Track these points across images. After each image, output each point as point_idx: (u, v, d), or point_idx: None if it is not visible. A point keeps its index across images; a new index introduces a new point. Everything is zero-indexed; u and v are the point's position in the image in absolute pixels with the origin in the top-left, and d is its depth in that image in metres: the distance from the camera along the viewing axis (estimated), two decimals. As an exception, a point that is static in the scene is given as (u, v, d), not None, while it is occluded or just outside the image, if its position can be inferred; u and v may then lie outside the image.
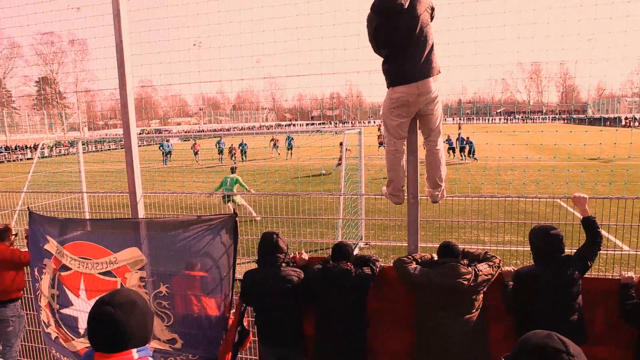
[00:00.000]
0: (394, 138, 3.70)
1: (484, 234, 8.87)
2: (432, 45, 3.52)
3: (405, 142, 3.76)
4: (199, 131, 64.01)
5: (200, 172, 20.12)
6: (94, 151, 39.03)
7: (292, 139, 30.41)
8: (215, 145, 29.99)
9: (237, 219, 4.00)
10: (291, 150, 29.85)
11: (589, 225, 3.40)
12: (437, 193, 3.87)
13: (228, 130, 72.90)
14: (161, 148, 27.91)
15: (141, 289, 3.76)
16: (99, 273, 3.88)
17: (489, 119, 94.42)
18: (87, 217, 6.60)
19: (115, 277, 3.84)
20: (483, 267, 3.40)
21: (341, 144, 10.48)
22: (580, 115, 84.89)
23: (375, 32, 3.52)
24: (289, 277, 3.62)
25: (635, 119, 60.92)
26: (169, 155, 27.68)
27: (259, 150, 30.68)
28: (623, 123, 61.79)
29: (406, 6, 3.40)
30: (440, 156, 3.81)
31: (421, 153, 3.83)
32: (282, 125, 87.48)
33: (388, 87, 3.61)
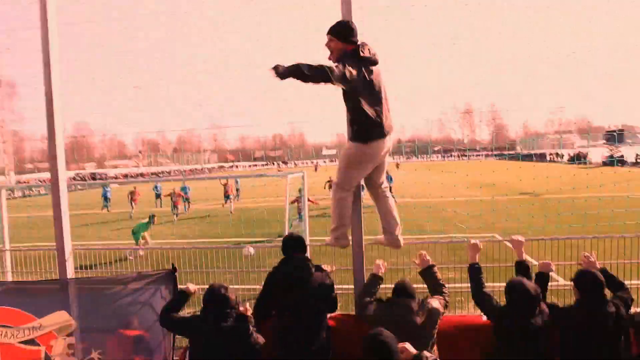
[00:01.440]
0: (348, 185, 3.68)
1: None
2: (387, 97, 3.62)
3: (353, 190, 3.76)
4: (137, 174, 61.86)
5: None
6: (21, 197, 36.67)
7: (238, 182, 29.87)
8: (153, 189, 27.97)
9: (176, 273, 3.79)
10: (238, 194, 29.32)
11: (523, 269, 3.51)
12: (396, 236, 3.84)
13: (169, 173, 71.10)
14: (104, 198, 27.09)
15: (69, 358, 3.42)
16: (20, 342, 3.50)
17: (426, 157, 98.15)
18: (9, 277, 6.02)
19: (39, 345, 3.48)
20: (435, 303, 3.42)
21: (300, 191, 10.33)
22: (511, 152, 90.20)
23: (357, 76, 3.33)
24: (256, 344, 3.34)
25: (559, 154, 65.26)
26: (108, 201, 26.91)
27: (208, 193, 29.64)
28: (548, 158, 66.08)
29: (374, 58, 3.49)
30: (391, 198, 3.88)
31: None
32: (225, 167, 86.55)
33: (357, 140, 3.49)
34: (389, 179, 25.66)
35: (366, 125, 3.42)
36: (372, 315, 3.50)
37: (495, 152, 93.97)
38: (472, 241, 3.70)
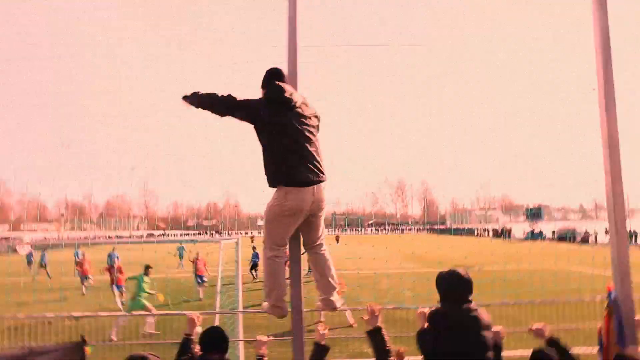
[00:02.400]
0: (276, 245, 3.36)
1: (365, 346, 8.59)
2: (320, 153, 3.39)
3: (285, 249, 3.43)
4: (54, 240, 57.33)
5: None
6: None
7: (184, 248, 28.79)
8: (75, 255, 26.04)
9: (86, 346, 3.24)
10: (182, 260, 28.01)
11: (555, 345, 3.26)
12: (333, 299, 3.53)
13: (93, 238, 66.79)
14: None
15: None
16: None
17: (360, 230, 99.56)
18: None
19: None
20: None
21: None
22: (442, 227, 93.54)
23: (264, 117, 3.23)
24: None
25: (486, 229, 68.43)
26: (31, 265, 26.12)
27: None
28: (475, 233, 69.05)
29: (298, 104, 3.31)
30: (329, 259, 3.54)
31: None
32: (155, 235, 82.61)
33: (274, 186, 3.28)
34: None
35: (280, 171, 3.21)
36: None
37: (427, 227, 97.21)
38: (420, 309, 3.47)
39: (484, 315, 3.07)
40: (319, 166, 3.27)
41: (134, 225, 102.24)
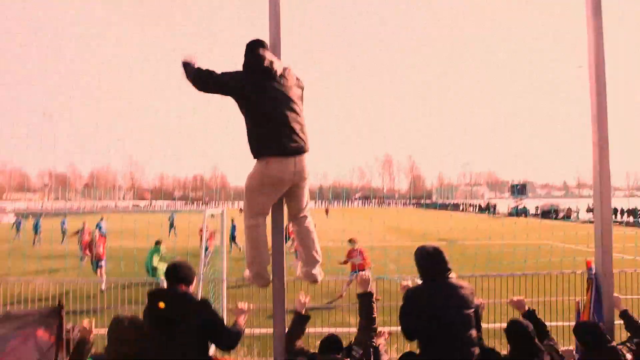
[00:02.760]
0: (256, 214, 3.32)
1: (350, 315, 8.69)
2: (304, 123, 3.31)
3: (265, 218, 3.39)
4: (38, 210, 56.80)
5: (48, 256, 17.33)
6: None
7: (174, 217, 29.39)
8: (61, 225, 25.65)
9: (63, 311, 3.19)
10: (174, 228, 28.38)
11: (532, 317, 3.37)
12: (314, 272, 3.49)
13: (77, 208, 66.17)
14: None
15: None
16: None
17: (347, 203, 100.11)
18: None
19: None
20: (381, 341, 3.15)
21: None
22: (427, 201, 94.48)
23: (243, 89, 3.16)
24: None
25: (471, 205, 69.25)
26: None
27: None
28: (461, 208, 69.86)
29: (279, 73, 3.23)
30: (312, 231, 3.50)
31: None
32: (140, 206, 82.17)
33: (257, 157, 3.22)
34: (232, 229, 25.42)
35: (261, 140, 3.16)
36: None
37: (413, 201, 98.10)
38: (404, 283, 3.47)
39: (466, 288, 3.06)
40: (302, 136, 3.20)
41: (120, 195, 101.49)
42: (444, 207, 74.56)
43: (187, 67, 3.23)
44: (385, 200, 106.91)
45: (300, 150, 3.17)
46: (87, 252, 13.35)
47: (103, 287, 10.84)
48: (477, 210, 64.62)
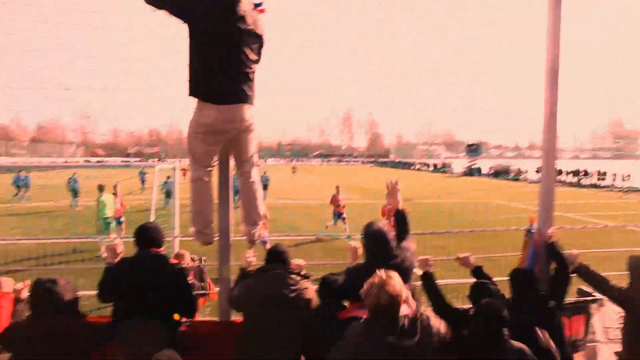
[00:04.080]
0: (199, 166, 3.16)
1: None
2: (254, 74, 3.12)
3: (211, 172, 3.24)
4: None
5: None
6: None
7: (145, 173, 28.78)
8: (13, 183, 23.75)
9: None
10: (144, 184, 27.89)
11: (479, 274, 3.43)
12: (254, 232, 3.41)
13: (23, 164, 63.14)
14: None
15: None
16: None
17: (306, 161, 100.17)
18: None
19: None
20: (309, 285, 3.03)
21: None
22: (385, 159, 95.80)
23: (195, 14, 2.89)
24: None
25: (426, 164, 70.69)
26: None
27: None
28: (417, 167, 71.25)
29: (241, 13, 2.96)
30: (256, 189, 3.38)
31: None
32: (91, 162, 79.07)
33: (191, 94, 3.02)
34: (263, 180, 25.70)
35: (198, 80, 2.96)
36: (236, 297, 3.04)
37: (371, 159, 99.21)
38: (352, 244, 3.43)
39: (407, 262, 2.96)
40: (244, 86, 3.01)
41: (70, 151, 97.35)
42: (401, 165, 75.83)
43: None
44: (344, 158, 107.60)
45: (239, 100, 3.00)
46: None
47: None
48: (432, 169, 66.02)
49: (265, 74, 3.15)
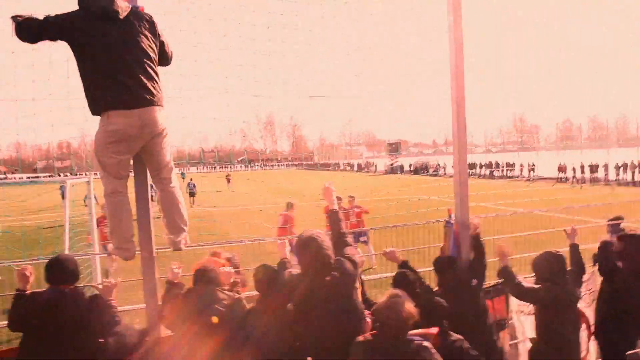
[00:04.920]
0: (112, 178, 2.99)
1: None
2: (156, 73, 3.01)
3: (126, 183, 3.09)
4: None
5: None
6: None
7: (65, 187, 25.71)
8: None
9: None
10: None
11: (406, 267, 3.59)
12: (178, 239, 3.30)
13: None
14: None
15: None
16: None
17: (230, 167, 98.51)
18: None
19: None
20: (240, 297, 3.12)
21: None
22: (309, 162, 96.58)
23: (79, 36, 2.77)
24: None
25: (350, 164, 72.28)
26: None
27: None
28: (341, 167, 72.65)
29: (122, 16, 2.84)
30: (178, 195, 3.27)
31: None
32: (-5, 179, 72.35)
33: (95, 112, 2.88)
34: (190, 186, 25.10)
35: (97, 94, 2.84)
36: (167, 314, 3.03)
37: (295, 162, 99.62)
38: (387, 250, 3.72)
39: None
40: (149, 87, 2.89)
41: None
42: (325, 167, 76.90)
43: (16, 20, 2.72)
44: (268, 162, 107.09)
45: (146, 103, 2.88)
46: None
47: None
48: (356, 169, 67.59)
49: (182, 78, 3.07)
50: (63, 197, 26.10)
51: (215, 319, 2.88)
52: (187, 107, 2.98)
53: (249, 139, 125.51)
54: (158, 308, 3.19)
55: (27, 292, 3.01)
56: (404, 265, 3.68)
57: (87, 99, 2.88)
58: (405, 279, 3.31)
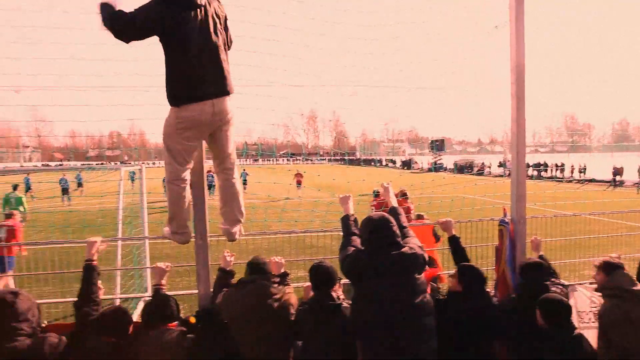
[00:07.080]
0: (177, 165, 3.04)
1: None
2: (228, 62, 3.05)
3: (189, 172, 3.15)
4: None
5: None
6: None
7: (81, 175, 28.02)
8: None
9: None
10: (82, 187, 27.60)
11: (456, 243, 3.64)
12: (234, 230, 3.35)
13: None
14: None
15: None
16: None
17: (274, 160, 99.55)
18: None
19: None
20: (291, 290, 3.09)
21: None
22: (352, 157, 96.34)
23: (160, 25, 2.77)
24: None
25: (392, 160, 71.57)
26: None
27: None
28: (384, 163, 72.08)
29: (199, 1, 2.87)
30: (238, 188, 3.32)
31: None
32: (50, 166, 76.15)
33: (173, 104, 2.94)
34: (243, 175, 25.56)
35: (177, 84, 2.88)
36: (220, 304, 3.03)
37: (337, 157, 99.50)
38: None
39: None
40: (222, 77, 2.95)
41: (26, 156, 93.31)
42: (367, 163, 76.43)
43: (106, 9, 2.73)
44: (310, 156, 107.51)
45: (219, 93, 2.94)
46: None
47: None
48: (399, 165, 66.91)
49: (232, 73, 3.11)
50: (79, 185, 27.28)
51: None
52: (233, 99, 3.01)
53: (292, 133, 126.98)
54: (209, 295, 3.25)
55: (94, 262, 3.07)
56: (453, 239, 3.64)
57: (168, 90, 2.92)
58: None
